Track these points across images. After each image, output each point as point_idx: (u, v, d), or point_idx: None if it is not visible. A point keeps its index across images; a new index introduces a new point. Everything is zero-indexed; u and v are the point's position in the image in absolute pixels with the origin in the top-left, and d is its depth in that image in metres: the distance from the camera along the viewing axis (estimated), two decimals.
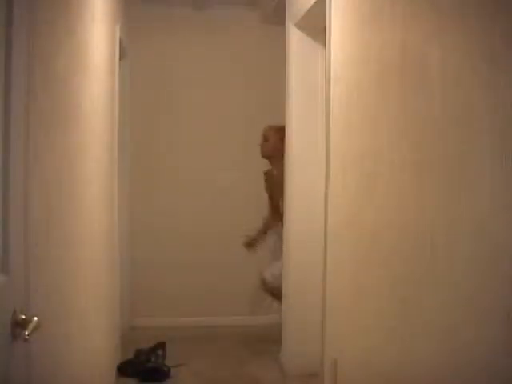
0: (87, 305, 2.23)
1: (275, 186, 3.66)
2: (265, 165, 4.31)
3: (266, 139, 3.79)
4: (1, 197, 1.13)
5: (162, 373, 3.40)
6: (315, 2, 2.79)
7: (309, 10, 2.95)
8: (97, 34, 2.44)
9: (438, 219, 1.50)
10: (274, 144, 3.73)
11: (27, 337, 1.14)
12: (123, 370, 3.42)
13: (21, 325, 1.15)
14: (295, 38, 3.37)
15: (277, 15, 3.80)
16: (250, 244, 3.96)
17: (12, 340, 1.14)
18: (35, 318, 1.17)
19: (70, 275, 1.87)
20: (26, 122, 1.27)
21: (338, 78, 2.37)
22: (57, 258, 1.66)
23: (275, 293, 3.67)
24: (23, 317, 1.16)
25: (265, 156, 3.81)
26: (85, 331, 2.17)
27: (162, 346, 3.69)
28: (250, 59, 4.46)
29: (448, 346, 1.46)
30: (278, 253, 3.64)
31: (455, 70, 1.41)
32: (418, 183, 1.62)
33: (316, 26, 3.17)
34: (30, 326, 1.15)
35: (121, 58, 3.50)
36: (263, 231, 3.92)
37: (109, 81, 2.94)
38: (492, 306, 1.27)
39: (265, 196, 4.09)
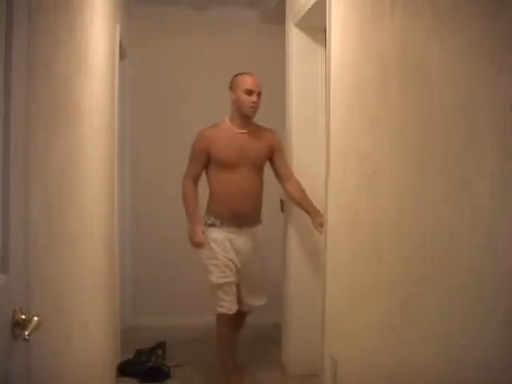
0: (87, 305, 2.23)
1: None
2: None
3: None
4: (1, 197, 1.13)
5: (162, 373, 3.41)
6: (315, 2, 2.79)
7: (309, 10, 2.95)
8: (97, 34, 2.44)
9: (438, 219, 1.50)
10: None
11: (27, 337, 1.14)
12: (123, 369, 3.42)
13: (21, 325, 1.15)
14: (295, 38, 3.37)
15: (277, 15, 3.80)
16: None
17: (12, 340, 1.14)
18: (35, 318, 1.17)
19: (70, 275, 1.87)
20: (26, 122, 1.27)
21: (337, 78, 2.37)
22: (57, 258, 1.66)
23: None
24: (23, 317, 1.16)
25: None
26: (85, 331, 2.17)
27: (161, 346, 3.70)
28: (249, 59, 4.46)
29: (448, 347, 1.46)
30: None
31: (455, 70, 1.41)
32: (418, 183, 1.62)
33: (316, 26, 3.17)
34: (30, 326, 1.15)
35: (121, 58, 3.50)
36: None
37: (109, 81, 2.94)
38: (492, 307, 1.27)
39: (267, 194, 4.10)
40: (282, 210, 3.51)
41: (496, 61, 1.24)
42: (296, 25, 3.32)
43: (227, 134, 3.20)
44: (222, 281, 3.11)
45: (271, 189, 3.84)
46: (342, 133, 2.32)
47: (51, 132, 1.58)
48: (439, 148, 1.49)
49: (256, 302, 3.29)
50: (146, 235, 4.39)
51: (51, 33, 1.59)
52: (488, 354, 1.28)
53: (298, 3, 3.21)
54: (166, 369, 3.43)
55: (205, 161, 3.18)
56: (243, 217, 3.14)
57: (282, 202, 3.53)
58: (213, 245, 3.14)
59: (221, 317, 3.15)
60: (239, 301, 3.22)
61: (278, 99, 3.58)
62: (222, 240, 3.13)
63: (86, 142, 2.18)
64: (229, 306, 3.12)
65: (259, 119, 4.39)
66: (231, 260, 3.14)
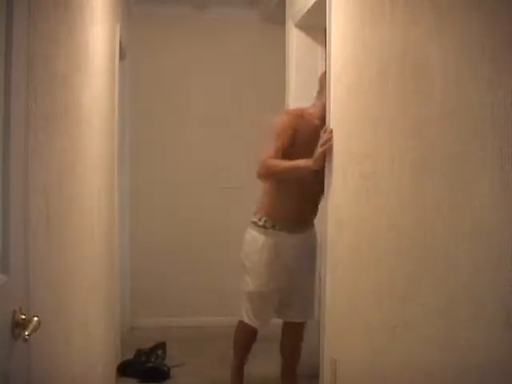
0: (87, 305, 2.23)
1: None
2: None
3: None
4: (1, 197, 1.13)
5: (161, 373, 3.41)
6: (315, 2, 2.79)
7: (309, 10, 2.95)
8: (97, 34, 2.44)
9: (438, 219, 1.50)
10: None
11: (27, 337, 1.14)
12: (123, 370, 3.43)
13: (21, 325, 1.15)
14: (295, 38, 3.37)
15: (277, 14, 3.80)
16: None
17: (12, 340, 1.14)
18: (35, 318, 1.17)
19: (70, 275, 1.87)
20: (26, 122, 1.27)
21: (337, 77, 2.37)
22: (57, 258, 1.66)
23: None
24: (23, 317, 1.16)
25: None
26: (85, 331, 2.17)
27: (162, 346, 3.70)
28: (250, 58, 4.46)
29: (448, 348, 1.46)
30: None
31: (455, 70, 1.41)
32: (418, 183, 1.62)
33: (316, 26, 3.17)
34: (30, 326, 1.15)
35: (121, 58, 3.50)
36: None
37: (109, 81, 2.94)
38: (492, 307, 1.26)
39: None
40: None
41: (496, 60, 1.24)
42: (296, 25, 3.32)
43: (307, 123, 2.80)
44: (258, 290, 2.88)
45: None
46: (342, 133, 2.32)
47: (51, 132, 1.58)
48: (439, 148, 1.49)
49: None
50: (145, 235, 4.39)
51: (51, 32, 1.59)
52: (489, 355, 1.28)
53: (298, 3, 3.21)
54: (165, 369, 3.44)
55: (288, 142, 2.75)
56: (300, 220, 2.85)
57: None
58: (261, 251, 2.85)
59: (242, 325, 3.02)
60: (282, 312, 2.99)
61: (278, 98, 3.58)
62: (269, 247, 2.85)
63: (86, 142, 2.18)
64: (253, 319, 2.93)
65: (259, 119, 4.40)
66: (274, 271, 2.86)
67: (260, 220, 2.87)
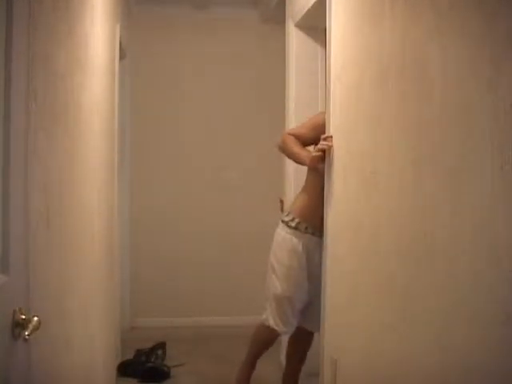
0: (87, 305, 2.23)
1: None
2: (265, 162, 4.30)
3: None
4: (1, 197, 1.13)
5: (161, 373, 3.41)
6: (315, 2, 2.79)
7: (309, 9, 2.95)
8: (97, 34, 2.44)
9: (438, 219, 1.50)
10: None
11: (27, 337, 1.14)
12: (123, 370, 3.43)
13: (21, 325, 1.15)
14: (295, 38, 3.37)
15: (277, 14, 3.80)
16: None
17: (12, 340, 1.14)
18: (35, 318, 1.17)
19: (70, 275, 1.87)
20: (26, 122, 1.27)
21: (337, 77, 2.37)
22: (57, 259, 1.66)
23: None
24: (23, 317, 1.16)
25: None
26: (85, 331, 2.17)
27: (162, 346, 3.70)
28: (250, 58, 4.46)
29: (449, 348, 1.46)
30: None
31: (455, 70, 1.41)
32: (418, 183, 1.62)
33: (316, 26, 3.17)
34: (30, 326, 1.15)
35: (121, 58, 3.50)
36: None
37: (109, 81, 2.94)
38: (492, 307, 1.26)
39: (264, 193, 4.09)
40: (282, 210, 3.52)
41: (496, 61, 1.24)
42: (296, 25, 3.32)
43: None
44: (286, 294, 2.76)
45: (272, 189, 3.86)
46: (342, 133, 2.32)
47: (51, 132, 1.58)
48: (439, 148, 1.49)
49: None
50: (145, 235, 4.39)
51: (51, 32, 1.59)
52: (489, 355, 1.28)
53: (297, 3, 3.21)
54: (165, 369, 3.44)
55: (312, 140, 2.72)
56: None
57: (281, 202, 3.53)
58: (291, 254, 2.76)
59: (263, 328, 2.86)
60: (301, 319, 2.87)
61: (278, 98, 3.58)
62: (300, 251, 2.75)
63: (86, 142, 2.18)
64: (280, 324, 2.79)
65: (259, 119, 4.41)
66: (304, 277, 2.76)
67: (293, 221, 2.78)
